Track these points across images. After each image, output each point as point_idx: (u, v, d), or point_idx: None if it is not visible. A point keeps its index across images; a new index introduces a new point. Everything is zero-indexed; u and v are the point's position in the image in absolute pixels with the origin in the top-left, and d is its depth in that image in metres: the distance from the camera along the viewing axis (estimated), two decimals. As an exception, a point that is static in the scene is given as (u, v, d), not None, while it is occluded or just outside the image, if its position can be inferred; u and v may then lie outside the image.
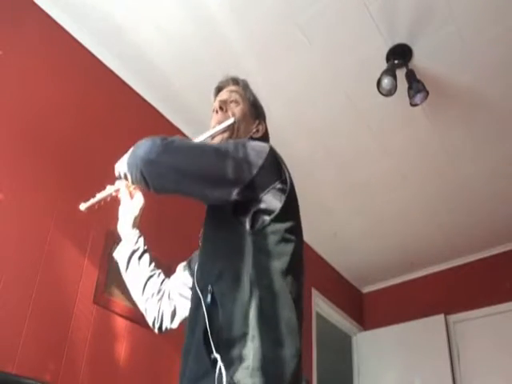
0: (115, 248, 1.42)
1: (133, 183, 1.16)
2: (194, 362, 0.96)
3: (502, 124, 2.83)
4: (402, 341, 3.94)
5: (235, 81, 1.42)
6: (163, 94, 2.75)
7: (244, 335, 0.93)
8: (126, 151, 1.16)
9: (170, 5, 2.30)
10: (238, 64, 2.55)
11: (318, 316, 3.89)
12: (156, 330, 1.37)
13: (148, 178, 1.07)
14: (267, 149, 1.14)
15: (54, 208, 2.07)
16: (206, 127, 1.35)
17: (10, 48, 2.11)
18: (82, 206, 1.38)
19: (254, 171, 1.07)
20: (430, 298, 4.00)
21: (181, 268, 1.43)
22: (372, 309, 4.45)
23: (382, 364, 4.01)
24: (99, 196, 1.38)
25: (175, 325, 1.38)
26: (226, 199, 1.06)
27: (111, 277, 2.17)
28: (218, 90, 1.43)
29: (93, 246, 2.15)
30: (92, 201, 1.38)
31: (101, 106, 2.49)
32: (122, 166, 1.15)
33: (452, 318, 3.80)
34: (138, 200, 1.41)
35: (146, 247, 1.39)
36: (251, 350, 0.91)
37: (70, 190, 2.17)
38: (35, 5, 2.29)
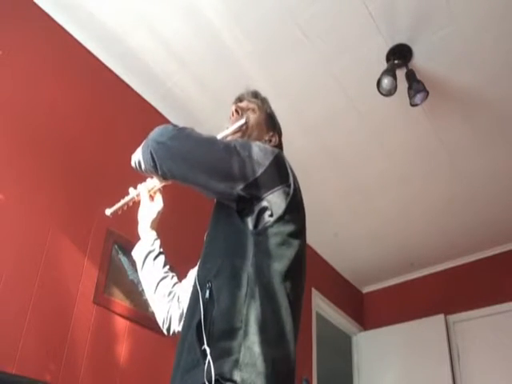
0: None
1: (145, 170, 1.19)
2: (187, 353, 0.97)
3: (503, 124, 2.83)
4: (402, 341, 3.93)
5: (255, 94, 1.48)
6: (164, 94, 2.75)
7: (236, 330, 0.94)
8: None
9: (170, 5, 2.30)
10: (238, 63, 2.55)
11: (318, 316, 3.88)
12: (165, 331, 1.37)
13: (157, 160, 1.12)
14: (276, 152, 1.16)
15: (54, 208, 2.07)
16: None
17: (10, 48, 2.11)
18: (108, 211, 1.46)
19: (260, 170, 1.09)
20: (430, 298, 4.00)
21: (192, 273, 1.44)
22: (372, 309, 4.45)
23: (382, 364, 4.01)
24: (123, 201, 1.45)
25: None
26: (230, 193, 1.09)
27: (111, 277, 2.18)
28: (239, 100, 1.47)
29: (93, 246, 2.15)
30: (116, 205, 1.46)
31: (102, 106, 2.49)
32: (136, 154, 1.21)
33: (452, 317, 3.80)
34: (158, 203, 1.44)
35: (161, 250, 1.42)
36: (241, 344, 0.92)
37: (71, 191, 2.18)
38: (35, 5, 2.29)
